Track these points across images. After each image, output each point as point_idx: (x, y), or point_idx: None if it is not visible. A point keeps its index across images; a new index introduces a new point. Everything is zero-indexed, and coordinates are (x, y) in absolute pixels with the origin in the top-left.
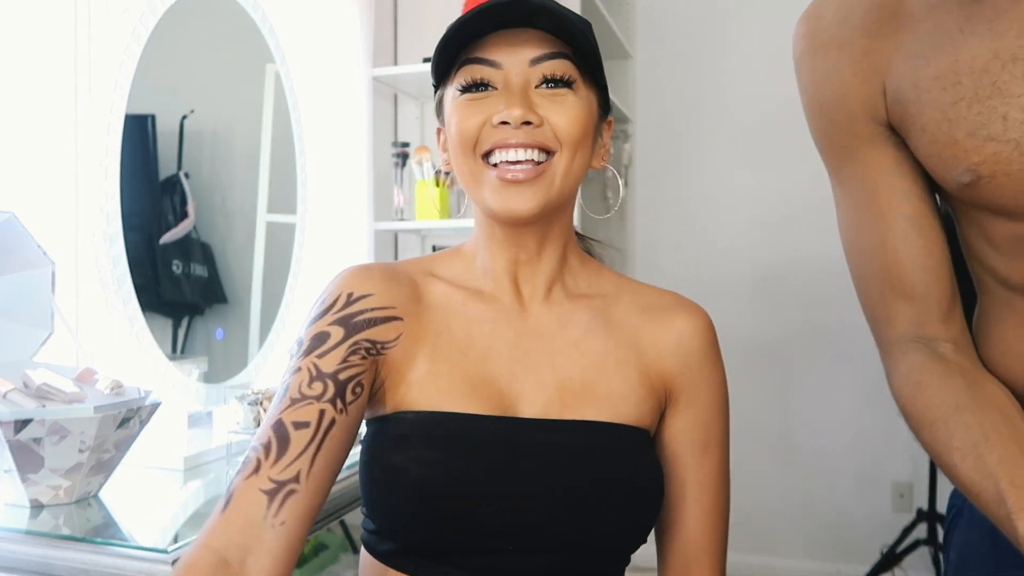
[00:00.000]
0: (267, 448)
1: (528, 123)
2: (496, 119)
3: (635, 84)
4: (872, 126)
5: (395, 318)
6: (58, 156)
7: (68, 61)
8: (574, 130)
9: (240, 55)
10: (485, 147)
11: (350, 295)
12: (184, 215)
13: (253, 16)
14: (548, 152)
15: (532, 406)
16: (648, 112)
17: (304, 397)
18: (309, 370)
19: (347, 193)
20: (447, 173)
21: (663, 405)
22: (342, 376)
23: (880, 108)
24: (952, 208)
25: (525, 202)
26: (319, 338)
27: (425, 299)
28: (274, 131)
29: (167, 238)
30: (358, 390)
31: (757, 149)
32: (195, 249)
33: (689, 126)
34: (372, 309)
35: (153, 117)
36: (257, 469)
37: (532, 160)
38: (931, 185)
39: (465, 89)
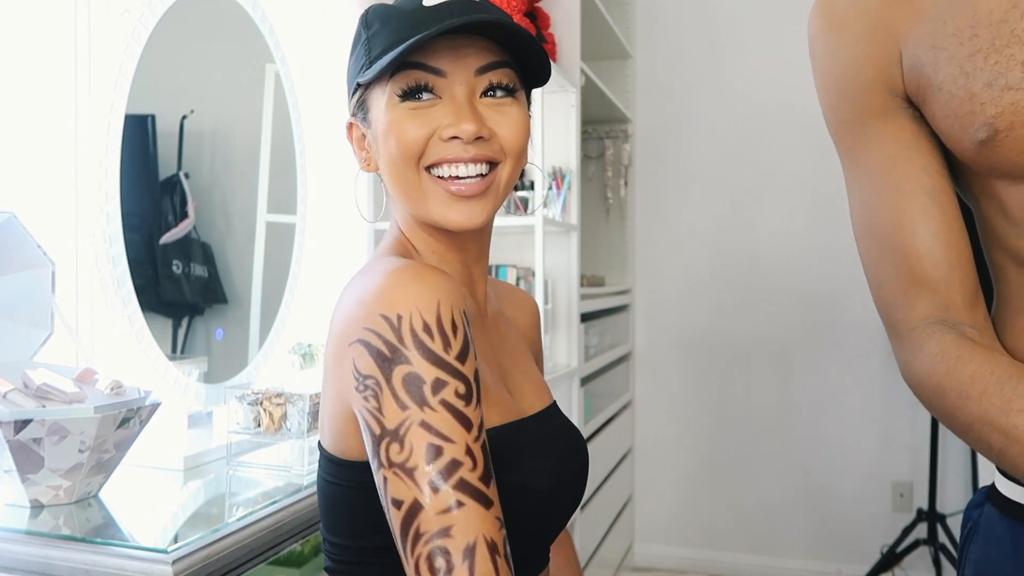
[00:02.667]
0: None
1: (479, 138)
2: (446, 133)
3: (635, 84)
4: (888, 98)
5: None
6: (58, 156)
7: (68, 61)
8: (520, 141)
9: (240, 55)
10: (431, 160)
11: (465, 313)
12: (184, 215)
13: (253, 16)
14: (493, 163)
15: (528, 401)
16: (648, 112)
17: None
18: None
19: (347, 193)
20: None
21: None
22: None
23: (897, 78)
24: (969, 189)
25: (476, 216)
26: (478, 380)
27: None
28: (274, 131)
29: (167, 238)
30: None
31: (757, 149)
32: (195, 249)
33: (689, 126)
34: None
35: (153, 117)
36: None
37: (480, 174)
38: (949, 166)
39: (406, 95)
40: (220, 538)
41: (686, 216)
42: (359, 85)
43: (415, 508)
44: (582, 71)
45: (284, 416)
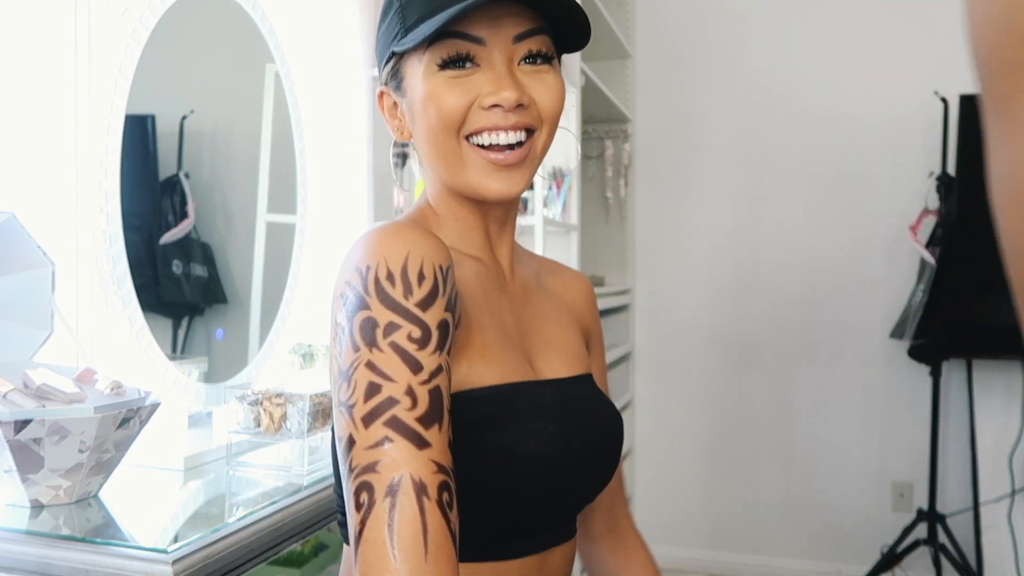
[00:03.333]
0: (455, 477)
1: (519, 105)
2: (487, 101)
3: (635, 84)
4: None
5: (457, 293)
6: (58, 156)
7: (68, 61)
8: (557, 108)
9: (240, 55)
10: (472, 128)
11: (442, 267)
12: (184, 215)
13: (253, 16)
14: (530, 130)
15: (547, 367)
16: (648, 112)
17: (448, 409)
18: (447, 374)
19: (347, 193)
20: (402, 145)
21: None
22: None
23: None
24: None
25: (515, 185)
26: (444, 329)
27: None
28: (274, 131)
29: (167, 238)
30: None
31: (756, 149)
32: (195, 249)
33: (689, 126)
34: (454, 285)
35: (153, 117)
36: (456, 506)
37: (519, 141)
38: None
39: (446, 64)
40: (220, 538)
41: (686, 216)
42: (393, 53)
43: (349, 443)
44: (582, 71)
45: (284, 416)
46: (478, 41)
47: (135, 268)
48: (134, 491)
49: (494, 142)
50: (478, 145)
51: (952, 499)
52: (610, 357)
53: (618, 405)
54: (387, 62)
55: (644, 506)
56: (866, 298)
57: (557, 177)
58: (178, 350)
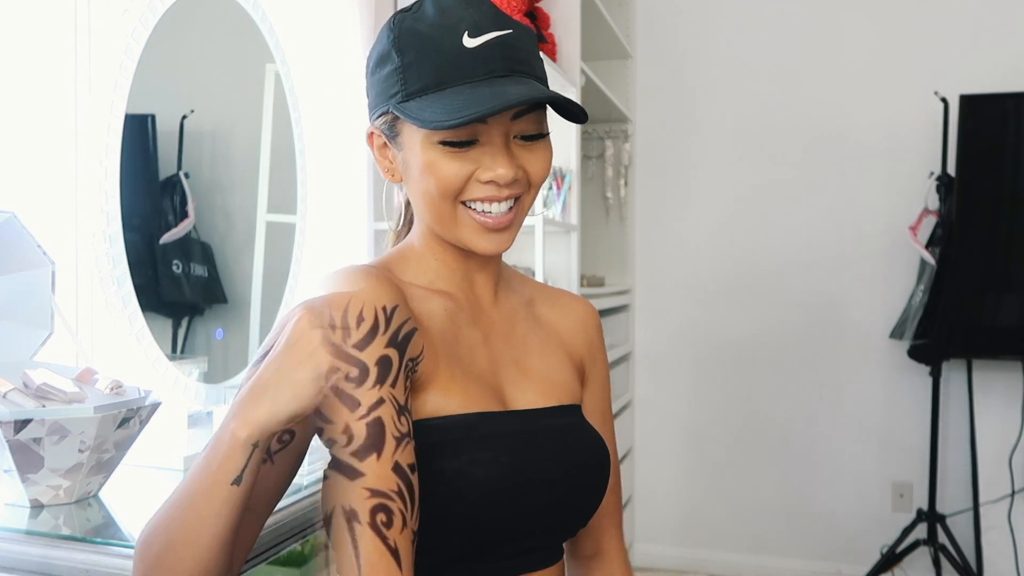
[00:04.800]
0: (402, 497)
1: (514, 180)
2: (485, 176)
3: (635, 84)
4: None
5: (415, 329)
6: (58, 156)
7: (68, 61)
8: (546, 175)
9: (240, 55)
10: (468, 197)
11: (385, 308)
12: (184, 215)
13: (253, 16)
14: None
15: (522, 397)
16: (648, 112)
17: (402, 435)
18: (392, 404)
19: (347, 193)
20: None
21: (581, 384)
22: (406, 403)
23: None
24: None
25: (503, 243)
26: (385, 364)
27: (412, 304)
28: (274, 131)
29: (167, 238)
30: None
31: (757, 149)
32: (195, 249)
33: (689, 126)
34: (405, 323)
35: (153, 117)
36: (404, 523)
37: (510, 207)
38: None
39: (447, 143)
40: None
41: (686, 216)
42: (381, 110)
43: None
44: (582, 71)
45: None
46: (483, 121)
47: (135, 268)
48: (134, 491)
49: (487, 210)
50: (472, 208)
51: (952, 499)
52: (610, 357)
53: (618, 405)
54: (382, 113)
55: (644, 506)
56: (866, 298)
57: (557, 177)
58: (178, 350)
